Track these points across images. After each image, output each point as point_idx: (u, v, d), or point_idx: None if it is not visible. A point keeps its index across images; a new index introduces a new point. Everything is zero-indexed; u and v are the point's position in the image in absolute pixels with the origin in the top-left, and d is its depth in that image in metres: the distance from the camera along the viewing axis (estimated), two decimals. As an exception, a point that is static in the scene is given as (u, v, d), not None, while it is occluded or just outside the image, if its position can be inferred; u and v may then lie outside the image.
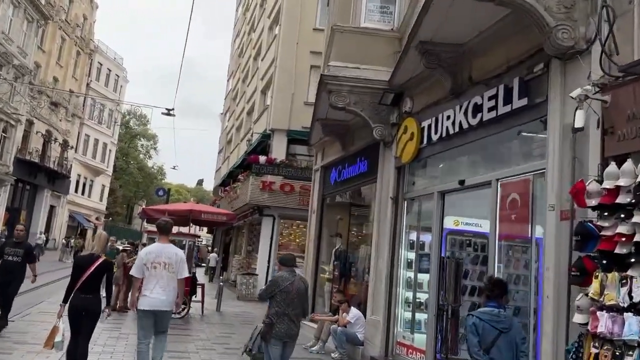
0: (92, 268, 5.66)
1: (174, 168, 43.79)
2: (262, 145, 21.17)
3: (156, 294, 5.85)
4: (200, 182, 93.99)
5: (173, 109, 22.15)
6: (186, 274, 6.25)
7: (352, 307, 8.89)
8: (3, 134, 34.08)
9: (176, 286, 6.04)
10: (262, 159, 19.18)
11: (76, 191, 48.51)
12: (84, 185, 50.77)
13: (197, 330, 10.55)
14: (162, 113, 22.09)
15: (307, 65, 20.08)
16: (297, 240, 19.79)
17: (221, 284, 14.56)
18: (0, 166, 33.79)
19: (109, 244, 25.93)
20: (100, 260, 5.77)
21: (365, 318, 8.73)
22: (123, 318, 11.16)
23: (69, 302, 5.70)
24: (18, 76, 33.78)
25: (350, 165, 10.62)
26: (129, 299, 11.69)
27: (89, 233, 49.87)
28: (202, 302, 12.89)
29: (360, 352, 8.59)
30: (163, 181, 71.06)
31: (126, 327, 10.11)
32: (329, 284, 11.75)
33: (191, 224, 14.11)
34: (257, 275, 18.53)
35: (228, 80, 41.07)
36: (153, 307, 5.86)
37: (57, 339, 5.39)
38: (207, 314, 13.14)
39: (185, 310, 11.98)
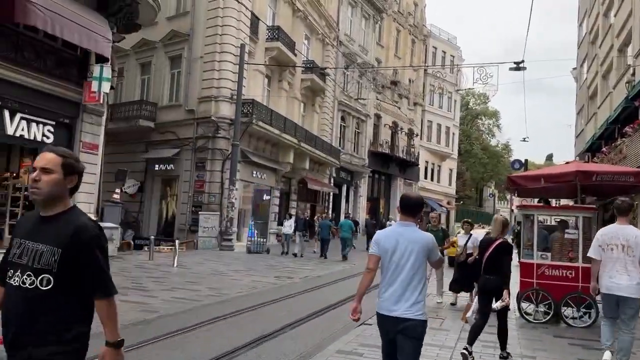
0: (490, 249, 5.88)
1: (524, 140, 39.07)
2: (657, 81, 15.09)
3: (614, 278, 5.52)
4: (549, 157, 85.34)
5: (523, 62, 18.43)
6: None
7: None
8: (356, 130, 36.49)
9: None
10: (665, 97, 13.36)
11: (425, 177, 49.30)
12: (432, 170, 51.36)
13: None
14: (510, 69, 18.65)
15: None
16: None
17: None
18: (358, 159, 36.24)
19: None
20: (498, 242, 5.91)
21: None
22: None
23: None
24: (362, 73, 35.59)
25: None
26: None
27: (442, 217, 50.19)
28: None
29: None
30: (510, 159, 66.71)
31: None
32: None
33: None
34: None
35: (580, 26, 34.08)
36: (611, 291, 5.54)
37: (468, 314, 5.71)
38: None
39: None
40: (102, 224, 14.05)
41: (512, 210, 67.38)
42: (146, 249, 16.36)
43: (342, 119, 34.35)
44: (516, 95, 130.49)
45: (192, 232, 20.45)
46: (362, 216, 35.50)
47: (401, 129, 42.82)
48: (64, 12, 11.60)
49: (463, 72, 23.74)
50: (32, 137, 12.36)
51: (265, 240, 20.01)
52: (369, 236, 25.52)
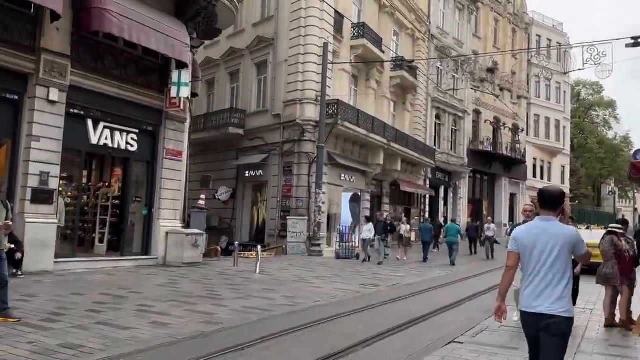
0: None
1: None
2: None
3: None
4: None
5: (643, 36, 15.93)
6: None
7: None
8: (453, 127, 34.47)
9: None
10: None
11: (534, 176, 45.60)
12: (541, 168, 47.43)
13: None
14: (627, 45, 16.22)
15: None
16: None
17: None
18: (456, 159, 34.20)
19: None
20: None
21: None
22: (628, 344, 6.58)
23: None
24: (458, 67, 33.60)
25: None
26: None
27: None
28: None
29: None
30: (631, 152, 60.14)
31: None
32: None
33: None
34: None
35: None
36: None
37: None
38: None
39: None
40: (187, 231, 14.03)
41: (635, 210, 60.54)
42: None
43: (437, 116, 32.57)
44: (635, 80, 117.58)
45: (281, 237, 20.13)
46: (463, 219, 33.35)
47: (504, 124, 39.92)
48: (140, 19, 11.66)
49: (571, 55, 21.15)
50: (116, 146, 12.59)
51: (354, 245, 19.14)
52: (471, 240, 23.63)
